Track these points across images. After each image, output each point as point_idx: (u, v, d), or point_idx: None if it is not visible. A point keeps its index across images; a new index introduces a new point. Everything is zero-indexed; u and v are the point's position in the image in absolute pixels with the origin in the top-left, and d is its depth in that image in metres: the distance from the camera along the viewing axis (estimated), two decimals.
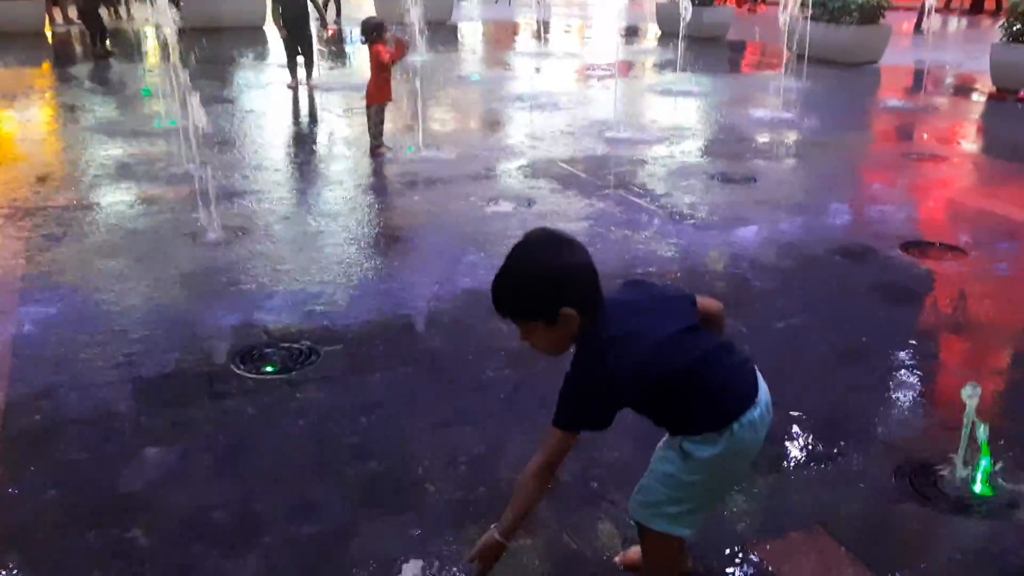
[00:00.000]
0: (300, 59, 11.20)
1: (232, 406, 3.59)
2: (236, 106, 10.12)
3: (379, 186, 7.05)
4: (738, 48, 15.99)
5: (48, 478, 3.08)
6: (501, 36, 18.14)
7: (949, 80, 12.67)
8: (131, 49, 14.28)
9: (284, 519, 2.88)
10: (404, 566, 2.64)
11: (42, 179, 6.97)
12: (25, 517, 2.88)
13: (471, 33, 18.80)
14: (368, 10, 16.96)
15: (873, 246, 5.56)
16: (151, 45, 15.89)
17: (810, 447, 3.34)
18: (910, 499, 3.02)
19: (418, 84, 8.51)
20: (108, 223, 5.93)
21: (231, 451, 3.27)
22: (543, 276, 2.04)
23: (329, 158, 8.02)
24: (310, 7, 11.27)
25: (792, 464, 3.23)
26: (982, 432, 3.00)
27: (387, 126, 7.90)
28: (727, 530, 2.85)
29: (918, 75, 13.03)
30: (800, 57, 12.17)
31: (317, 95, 10.79)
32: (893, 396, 3.74)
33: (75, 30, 17.28)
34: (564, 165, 7.43)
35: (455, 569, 2.63)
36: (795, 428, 3.44)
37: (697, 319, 2.21)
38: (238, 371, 3.85)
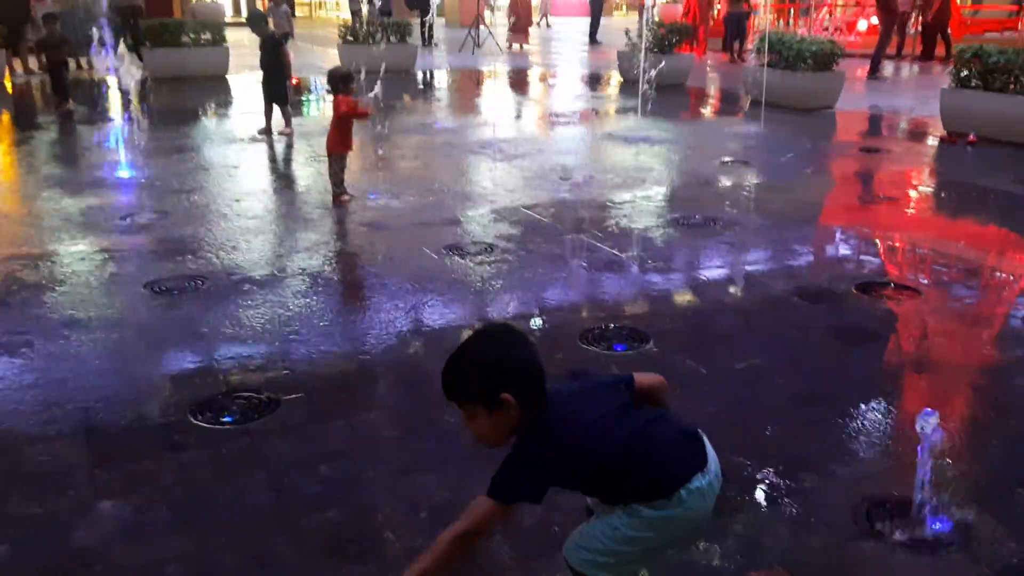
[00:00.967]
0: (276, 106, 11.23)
1: (189, 458, 3.55)
2: (196, 156, 10.11)
3: (341, 233, 7.06)
4: (698, 94, 16.31)
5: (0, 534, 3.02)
6: (465, 84, 18.36)
7: (902, 124, 13.01)
8: (93, 100, 14.22)
9: (241, 572, 2.84)
10: None
11: None
12: None
13: (435, 81, 19.01)
14: (334, 59, 17.15)
15: (829, 287, 5.66)
16: (113, 95, 15.88)
17: (769, 487, 3.36)
18: (867, 537, 3.05)
19: (381, 131, 8.58)
20: (63, 274, 5.86)
21: (188, 504, 3.23)
22: (490, 361, 2.22)
23: (291, 206, 8.02)
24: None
25: (751, 504, 3.25)
26: (936, 469, 3.05)
27: (351, 173, 7.94)
28: (687, 572, 2.85)
29: (872, 120, 13.40)
30: (757, 103, 12.49)
31: (282, 143, 10.81)
32: (850, 435, 3.79)
33: (35, 80, 17.23)
34: (526, 211, 7.50)
35: None
36: (754, 468, 3.46)
37: (630, 398, 2.36)
38: (196, 422, 3.81)
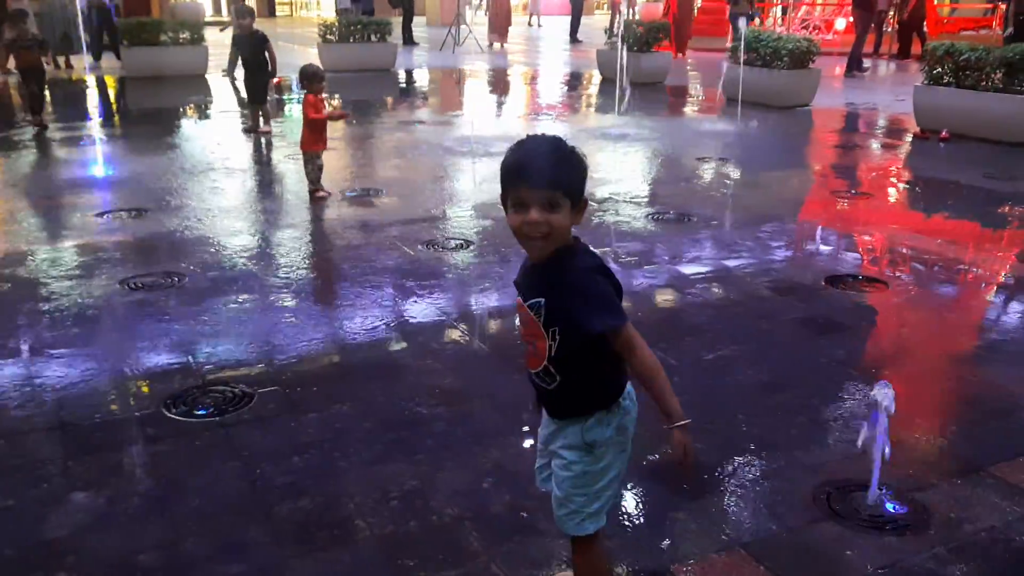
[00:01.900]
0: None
1: (163, 450, 3.59)
2: (174, 154, 10.11)
3: (316, 229, 7.10)
4: (676, 92, 16.42)
5: None
6: (445, 83, 18.39)
7: (876, 121, 13.17)
8: (71, 99, 14.16)
9: (213, 560, 2.88)
10: None
11: None
12: None
13: (414, 80, 19.02)
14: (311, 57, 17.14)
15: (799, 280, 5.75)
16: (91, 95, 15.83)
17: (733, 472, 3.44)
18: (827, 519, 3.13)
19: (360, 129, 8.61)
20: (38, 270, 5.87)
21: (161, 494, 3.27)
22: (578, 158, 2.22)
23: (268, 203, 8.04)
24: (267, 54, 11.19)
25: (714, 489, 3.32)
26: (890, 453, 3.13)
27: (329, 170, 7.98)
28: (649, 553, 2.93)
29: (847, 117, 13.55)
30: (735, 101, 12.61)
31: (263, 141, 10.80)
32: (813, 422, 3.87)
33: (13, 79, 17.12)
34: (502, 208, 7.54)
35: None
36: (719, 454, 3.54)
37: None
38: (170, 415, 3.84)
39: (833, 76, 17.87)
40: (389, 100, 15.51)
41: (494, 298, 5.41)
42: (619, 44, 14.05)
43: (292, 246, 6.53)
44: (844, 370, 4.42)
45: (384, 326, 4.92)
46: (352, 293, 5.51)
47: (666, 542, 3.00)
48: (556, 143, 2.21)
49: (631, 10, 17.97)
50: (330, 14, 29.95)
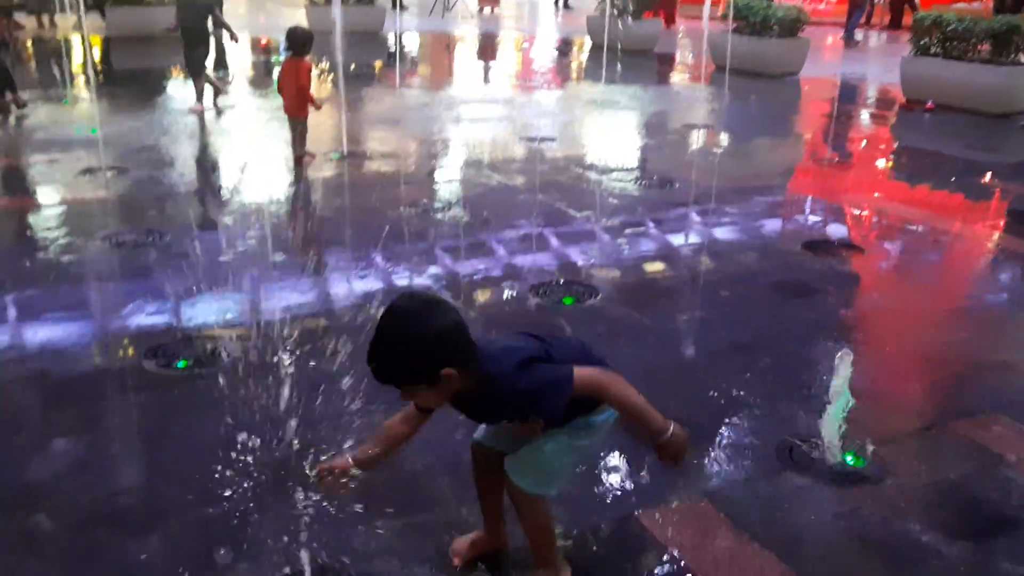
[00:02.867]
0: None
1: (141, 399, 3.66)
2: (158, 115, 10.07)
3: (302, 192, 7.12)
4: (665, 60, 16.38)
5: None
6: (434, 47, 18.29)
7: (863, 91, 13.20)
8: (56, 59, 14.02)
9: (188, 503, 2.95)
10: None
11: None
12: None
13: (403, 44, 18.89)
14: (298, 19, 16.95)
15: (777, 245, 5.84)
16: (76, 54, 15.67)
17: (701, 426, 3.51)
18: (789, 471, 3.22)
19: (345, 93, 8.60)
20: (22, 225, 5.89)
21: (138, 441, 3.34)
22: (420, 344, 2.12)
23: (254, 164, 8.04)
24: (210, 23, 10.29)
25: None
26: (853, 410, 3.23)
27: (316, 131, 7.97)
28: (617, 500, 3.01)
29: (834, 87, 13.56)
30: (724, 68, 12.60)
31: (228, 111, 10.61)
32: (780, 380, 3.95)
33: None
34: (489, 171, 7.58)
35: (354, 542, 2.75)
36: (687, 410, 3.61)
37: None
38: (148, 367, 3.90)
39: (824, 46, 17.86)
40: (377, 64, 15.42)
41: (476, 257, 5.46)
42: (608, 11, 14.01)
43: (276, 207, 6.55)
44: (815, 332, 4.50)
45: (367, 284, 4.98)
46: (334, 252, 5.55)
47: (631, 489, 3.08)
48: (393, 327, 2.13)
49: None
50: None
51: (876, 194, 7.31)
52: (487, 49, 18.40)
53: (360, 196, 6.79)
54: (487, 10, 25.06)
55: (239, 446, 3.29)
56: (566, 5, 26.89)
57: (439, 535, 2.82)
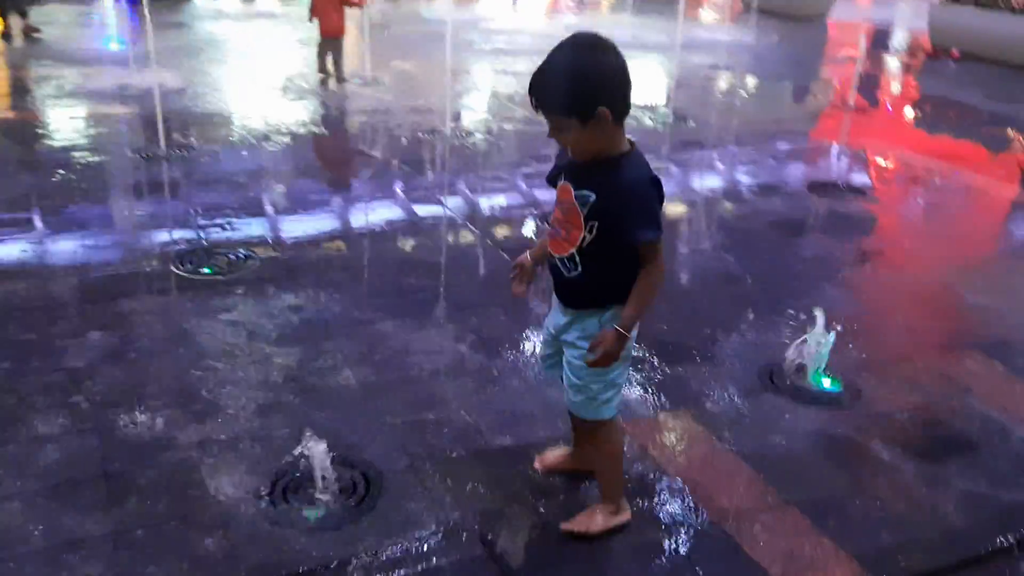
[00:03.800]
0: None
1: (170, 301, 3.93)
2: (187, 33, 10.20)
3: (326, 114, 7.30)
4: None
5: None
6: None
7: (890, 36, 13.09)
8: None
9: (213, 392, 3.22)
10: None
11: None
12: None
13: None
14: None
15: (783, 185, 5.99)
16: None
17: (689, 348, 3.74)
18: (768, 392, 3.46)
19: (374, 20, 8.69)
20: (58, 139, 6.13)
21: (167, 336, 3.61)
22: (589, 72, 2.13)
23: (281, 84, 8.20)
24: None
25: (669, 360, 3.62)
26: (836, 340, 3.44)
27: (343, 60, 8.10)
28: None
29: (862, 31, 13.42)
30: (749, 8, 12.52)
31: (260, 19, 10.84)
32: (769, 310, 4.15)
33: None
34: (509, 103, 7.72)
35: (364, 452, 3.02)
36: (677, 333, 3.84)
37: None
38: (177, 271, 4.17)
39: None
40: None
41: (487, 185, 5.66)
42: None
43: (300, 128, 6.75)
44: (809, 267, 4.70)
45: (383, 203, 5.20)
46: (353, 174, 5.76)
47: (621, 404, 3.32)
48: (562, 58, 2.14)
49: None
50: None
51: (889, 140, 7.40)
52: None
53: (384, 119, 6.95)
54: None
55: (258, 347, 3.56)
56: None
57: (436, 436, 3.07)
